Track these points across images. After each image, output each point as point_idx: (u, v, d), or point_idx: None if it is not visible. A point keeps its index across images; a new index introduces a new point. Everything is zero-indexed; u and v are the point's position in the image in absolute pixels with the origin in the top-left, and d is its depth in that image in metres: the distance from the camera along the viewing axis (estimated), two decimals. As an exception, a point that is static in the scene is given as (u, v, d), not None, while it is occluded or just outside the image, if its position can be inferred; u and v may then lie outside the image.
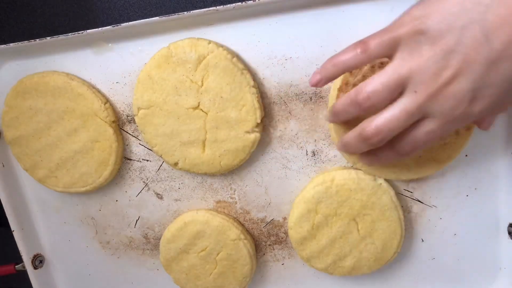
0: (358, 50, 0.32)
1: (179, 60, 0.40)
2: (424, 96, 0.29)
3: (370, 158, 0.37)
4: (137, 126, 0.45)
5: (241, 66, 0.40)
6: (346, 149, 0.36)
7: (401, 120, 0.30)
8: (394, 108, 0.30)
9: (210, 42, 0.40)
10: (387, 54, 0.31)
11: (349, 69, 0.33)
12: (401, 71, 0.30)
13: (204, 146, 0.42)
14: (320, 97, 0.43)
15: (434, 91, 0.29)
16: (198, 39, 0.41)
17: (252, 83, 0.40)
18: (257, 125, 0.41)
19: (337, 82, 0.40)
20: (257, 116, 0.40)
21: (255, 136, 0.41)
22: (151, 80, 0.41)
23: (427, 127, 0.31)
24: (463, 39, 0.27)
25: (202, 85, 0.40)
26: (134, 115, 0.43)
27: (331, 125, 0.41)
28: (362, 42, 0.32)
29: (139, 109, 0.43)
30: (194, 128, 0.41)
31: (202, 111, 0.41)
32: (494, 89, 0.28)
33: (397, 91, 0.30)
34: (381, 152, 0.35)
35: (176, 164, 0.44)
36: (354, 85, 0.39)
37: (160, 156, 0.44)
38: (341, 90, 0.39)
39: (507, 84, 0.28)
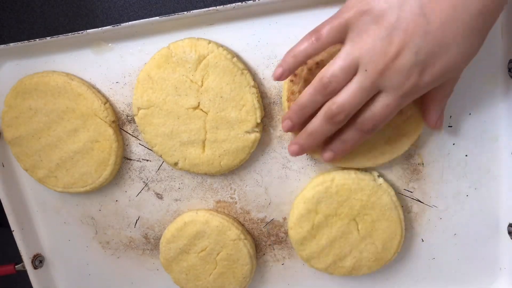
0: (313, 39, 0.34)
1: (179, 60, 0.40)
2: (374, 73, 0.31)
3: (336, 145, 0.38)
4: (137, 126, 0.45)
5: (241, 66, 0.40)
6: (312, 137, 0.37)
7: (358, 96, 0.33)
8: (352, 85, 0.33)
9: (210, 42, 0.40)
10: (340, 38, 0.33)
11: (308, 57, 0.35)
12: (353, 52, 0.32)
13: (204, 146, 0.42)
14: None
15: (382, 67, 0.31)
16: (198, 39, 0.41)
17: (252, 83, 0.40)
18: (257, 125, 0.41)
19: (285, 93, 0.41)
20: (257, 116, 0.40)
21: (255, 136, 0.41)
22: (151, 80, 0.41)
23: (382, 102, 0.33)
24: (402, 15, 0.29)
25: (202, 85, 0.40)
26: (134, 115, 0.43)
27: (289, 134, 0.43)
28: (315, 31, 0.34)
29: (139, 109, 0.43)
30: (194, 128, 0.42)
31: (202, 111, 0.41)
32: (437, 60, 0.30)
33: (352, 72, 0.33)
34: (346, 135, 0.37)
35: (176, 164, 0.44)
36: (299, 92, 0.40)
37: (160, 156, 0.44)
38: (289, 100, 0.40)
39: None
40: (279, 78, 0.36)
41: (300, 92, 0.40)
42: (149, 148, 0.46)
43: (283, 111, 0.42)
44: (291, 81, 0.40)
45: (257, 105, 0.41)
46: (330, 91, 0.34)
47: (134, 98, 0.43)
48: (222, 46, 0.41)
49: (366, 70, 0.32)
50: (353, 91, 0.33)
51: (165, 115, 0.42)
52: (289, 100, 0.41)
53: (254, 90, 0.40)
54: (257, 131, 0.41)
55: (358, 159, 0.42)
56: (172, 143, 0.43)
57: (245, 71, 0.40)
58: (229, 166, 0.43)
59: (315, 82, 0.34)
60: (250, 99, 0.40)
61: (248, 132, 0.41)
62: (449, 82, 0.36)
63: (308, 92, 0.35)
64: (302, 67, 0.39)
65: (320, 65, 0.39)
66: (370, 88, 0.32)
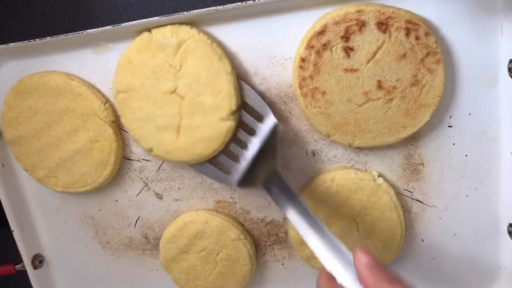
0: None
1: (159, 45, 0.40)
2: None
3: None
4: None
5: (219, 51, 0.39)
6: None
7: None
8: None
9: (192, 27, 0.40)
10: None
11: None
12: None
13: (178, 132, 0.41)
14: (320, 97, 0.43)
15: None
16: (181, 25, 0.40)
17: (229, 69, 0.39)
18: (233, 112, 0.40)
19: (296, 80, 0.40)
20: (233, 103, 0.39)
21: (230, 124, 0.40)
22: (130, 64, 0.41)
23: None
24: None
25: (180, 69, 0.39)
26: (114, 99, 0.42)
27: None
28: None
29: (118, 92, 0.42)
30: (170, 113, 0.40)
31: (179, 96, 0.40)
32: None
33: None
34: None
35: (151, 150, 0.43)
36: (310, 77, 0.40)
37: (137, 141, 0.43)
38: (301, 86, 0.40)
39: None
40: None
41: (311, 77, 0.40)
42: (126, 131, 0.44)
43: (296, 98, 0.42)
44: (301, 67, 0.40)
45: (233, 92, 0.39)
46: None
47: (113, 82, 0.42)
48: (203, 31, 0.40)
49: None
50: None
51: (143, 99, 0.41)
52: (300, 86, 0.40)
53: (231, 77, 0.39)
54: (232, 119, 0.40)
55: (380, 137, 0.42)
56: (147, 128, 0.42)
57: (223, 57, 0.39)
58: (203, 155, 0.41)
59: None
60: (227, 85, 0.39)
61: (223, 119, 0.40)
62: None
63: None
64: (310, 51, 0.39)
65: (327, 46, 0.39)
66: None
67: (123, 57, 0.41)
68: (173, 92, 0.40)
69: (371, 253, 0.32)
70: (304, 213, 0.36)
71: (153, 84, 0.40)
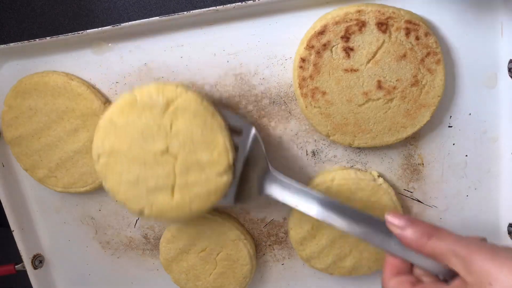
0: None
1: (145, 105, 0.38)
2: None
3: None
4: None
5: (211, 109, 0.39)
6: None
7: None
8: None
9: (177, 86, 0.39)
10: None
11: None
12: None
13: (173, 191, 0.39)
14: (320, 97, 0.43)
15: None
16: (165, 83, 0.39)
17: (223, 125, 0.39)
18: (229, 166, 0.39)
19: (296, 80, 0.40)
20: (230, 157, 0.39)
21: (227, 177, 0.39)
22: (113, 126, 0.38)
23: None
24: None
25: (171, 129, 0.38)
26: (94, 163, 0.40)
27: None
28: None
29: (99, 156, 0.39)
30: (162, 173, 0.39)
31: (171, 155, 0.39)
32: None
33: None
34: None
35: (141, 212, 0.40)
36: (310, 77, 0.40)
37: (123, 204, 0.40)
38: (301, 87, 0.40)
39: None
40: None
41: (311, 77, 0.40)
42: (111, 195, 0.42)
43: (296, 99, 0.42)
44: (301, 67, 0.40)
45: (229, 146, 0.39)
46: None
47: (93, 144, 0.39)
48: (190, 89, 0.39)
49: None
50: None
51: (130, 161, 0.39)
52: (300, 86, 0.40)
53: (225, 132, 0.39)
54: (229, 172, 0.39)
55: (380, 137, 0.42)
56: (137, 191, 0.39)
57: (216, 114, 0.38)
58: (200, 211, 0.40)
59: None
60: (222, 141, 0.38)
61: (220, 173, 0.39)
62: None
63: None
64: (310, 51, 0.39)
65: (327, 46, 0.39)
66: None
67: (104, 119, 0.39)
68: (165, 152, 0.39)
69: (400, 214, 0.33)
70: (319, 199, 0.36)
71: (141, 145, 0.38)
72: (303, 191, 0.37)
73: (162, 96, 0.38)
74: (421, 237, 0.31)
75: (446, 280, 0.31)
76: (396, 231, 0.32)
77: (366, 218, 0.34)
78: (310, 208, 0.36)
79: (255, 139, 0.40)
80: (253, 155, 0.40)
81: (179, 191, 0.39)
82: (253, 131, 0.40)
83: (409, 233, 0.31)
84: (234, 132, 0.40)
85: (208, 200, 0.39)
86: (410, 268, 0.33)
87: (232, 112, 0.42)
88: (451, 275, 0.31)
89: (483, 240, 0.31)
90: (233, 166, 0.39)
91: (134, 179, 0.39)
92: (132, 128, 0.38)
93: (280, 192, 0.38)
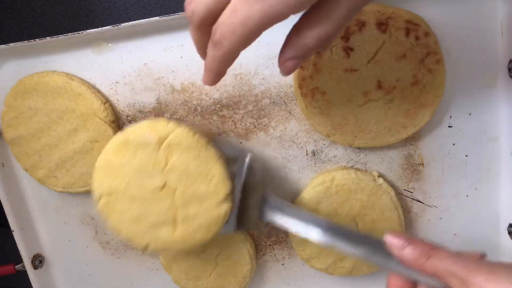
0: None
1: (138, 143, 0.39)
2: None
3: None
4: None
5: (203, 141, 0.39)
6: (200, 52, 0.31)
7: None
8: None
9: (169, 122, 0.39)
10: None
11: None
12: None
13: (175, 225, 0.40)
14: (320, 97, 0.43)
15: None
16: (157, 120, 0.39)
17: (218, 155, 0.39)
18: (227, 195, 0.40)
19: (296, 81, 0.40)
20: (227, 186, 0.39)
21: (226, 206, 0.39)
22: (110, 167, 0.39)
23: (230, 7, 0.26)
24: None
25: (166, 164, 0.39)
26: (95, 204, 0.41)
27: None
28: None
29: (100, 197, 0.40)
30: (163, 208, 0.40)
31: (170, 190, 0.39)
32: None
33: None
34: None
35: (146, 247, 0.41)
36: (310, 77, 0.40)
37: (128, 241, 0.41)
38: (301, 87, 0.40)
39: None
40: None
41: (311, 77, 0.40)
42: (115, 232, 0.42)
43: (296, 99, 0.42)
44: (301, 67, 0.40)
45: (225, 176, 0.39)
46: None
47: (94, 186, 0.40)
48: (181, 124, 0.39)
49: None
50: None
51: (130, 200, 0.40)
52: (300, 86, 0.40)
53: (220, 162, 0.39)
54: (228, 201, 0.40)
55: (380, 137, 0.42)
56: (140, 227, 0.40)
57: (209, 145, 0.39)
58: (203, 241, 0.41)
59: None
60: (218, 171, 0.39)
61: (219, 203, 0.39)
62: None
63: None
64: None
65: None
66: None
67: (100, 161, 0.39)
68: (163, 187, 0.39)
69: (399, 234, 0.33)
70: (320, 223, 0.36)
71: (139, 183, 0.39)
72: (302, 217, 0.37)
73: (155, 133, 0.38)
74: (419, 257, 0.31)
75: None
76: (395, 251, 0.32)
77: (367, 239, 0.34)
78: (311, 234, 0.36)
79: (250, 167, 0.40)
80: (250, 181, 0.40)
81: (181, 224, 0.40)
82: (247, 159, 0.40)
83: (408, 253, 0.31)
84: (229, 160, 0.40)
85: (210, 230, 0.40)
86: (414, 286, 0.33)
87: (226, 140, 0.42)
88: None
89: (483, 256, 0.31)
90: (231, 194, 0.39)
91: (136, 216, 0.40)
92: (128, 167, 0.39)
93: (280, 218, 0.38)
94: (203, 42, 0.30)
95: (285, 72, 0.30)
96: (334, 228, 0.35)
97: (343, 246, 0.35)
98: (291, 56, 0.29)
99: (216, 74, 0.31)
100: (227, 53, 0.28)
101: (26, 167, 0.48)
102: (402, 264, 0.32)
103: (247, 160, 0.40)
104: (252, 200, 0.40)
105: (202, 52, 0.31)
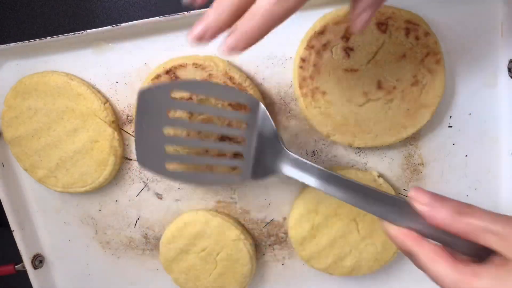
0: None
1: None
2: None
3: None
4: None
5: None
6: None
7: None
8: None
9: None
10: None
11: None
12: None
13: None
14: (320, 97, 0.43)
15: None
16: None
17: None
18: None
19: (296, 81, 0.40)
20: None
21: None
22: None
23: None
24: None
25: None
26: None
27: None
28: None
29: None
30: None
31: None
32: None
33: None
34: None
35: None
36: (310, 77, 0.40)
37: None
38: (301, 87, 0.40)
39: None
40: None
41: (311, 77, 0.40)
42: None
43: (297, 99, 0.42)
44: (301, 67, 0.40)
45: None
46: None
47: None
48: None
49: None
50: None
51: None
52: (300, 87, 0.40)
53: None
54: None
55: (380, 137, 0.41)
56: None
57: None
58: None
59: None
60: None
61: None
62: None
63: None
64: (310, 51, 0.39)
65: (327, 46, 0.39)
66: None
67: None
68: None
69: (424, 190, 0.30)
70: (336, 180, 0.34)
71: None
72: (321, 174, 0.35)
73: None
74: (452, 215, 0.28)
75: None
76: (422, 209, 0.29)
77: (387, 196, 0.32)
78: (330, 190, 0.35)
79: (264, 114, 0.38)
80: (265, 130, 0.38)
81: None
82: (262, 109, 0.37)
83: (438, 211, 0.28)
84: (242, 108, 0.40)
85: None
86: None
87: (232, 88, 0.40)
88: (479, 253, 0.29)
89: None
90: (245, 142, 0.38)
91: None
92: None
93: (296, 173, 0.36)
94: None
95: (361, 25, 0.28)
96: (353, 184, 0.33)
97: (362, 204, 0.32)
98: (364, 7, 0.28)
99: (254, 38, 0.29)
100: (289, 10, 0.27)
101: (26, 167, 0.48)
102: (427, 223, 0.29)
103: (260, 107, 0.38)
104: (268, 150, 0.39)
105: (233, 14, 0.28)
